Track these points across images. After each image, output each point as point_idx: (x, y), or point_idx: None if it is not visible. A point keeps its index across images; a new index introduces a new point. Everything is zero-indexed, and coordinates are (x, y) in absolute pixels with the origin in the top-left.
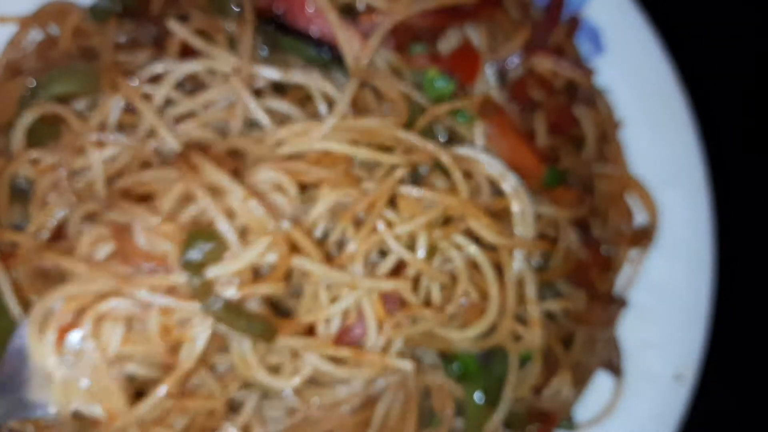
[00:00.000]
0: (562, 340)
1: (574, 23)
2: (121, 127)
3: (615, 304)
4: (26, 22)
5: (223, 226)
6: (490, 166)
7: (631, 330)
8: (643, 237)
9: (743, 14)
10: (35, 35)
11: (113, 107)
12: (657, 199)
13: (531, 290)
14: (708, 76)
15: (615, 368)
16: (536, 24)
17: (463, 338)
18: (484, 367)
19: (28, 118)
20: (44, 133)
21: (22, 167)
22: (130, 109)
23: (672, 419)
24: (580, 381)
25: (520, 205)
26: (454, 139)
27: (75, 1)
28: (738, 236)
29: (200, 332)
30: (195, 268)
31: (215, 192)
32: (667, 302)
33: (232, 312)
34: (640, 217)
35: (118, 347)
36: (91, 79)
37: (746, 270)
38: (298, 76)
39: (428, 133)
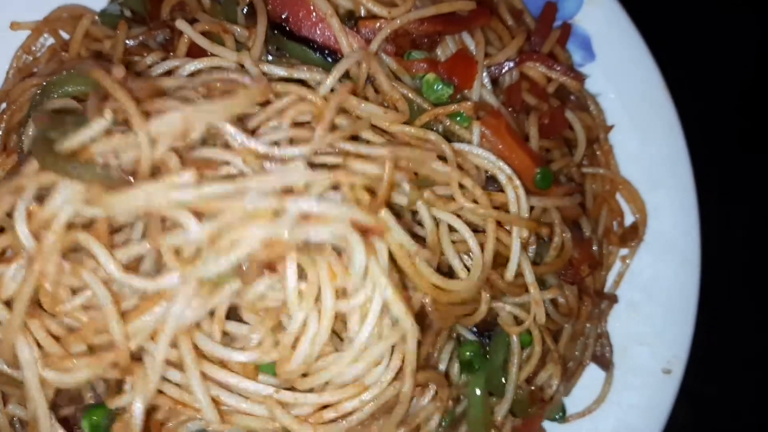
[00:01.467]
0: (552, 334)
1: (566, 30)
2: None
3: (606, 300)
4: (38, 27)
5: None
6: (484, 158)
7: (622, 325)
8: (633, 235)
9: (741, 15)
10: (47, 39)
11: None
12: (646, 199)
13: (529, 275)
14: (706, 76)
15: (605, 362)
16: (530, 31)
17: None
18: (487, 358)
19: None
20: None
21: None
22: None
23: (661, 412)
24: (572, 374)
25: (514, 192)
26: (451, 140)
27: (85, 5)
28: (729, 234)
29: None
30: None
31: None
32: (656, 298)
33: None
34: (629, 217)
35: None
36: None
37: (735, 267)
38: (302, 72)
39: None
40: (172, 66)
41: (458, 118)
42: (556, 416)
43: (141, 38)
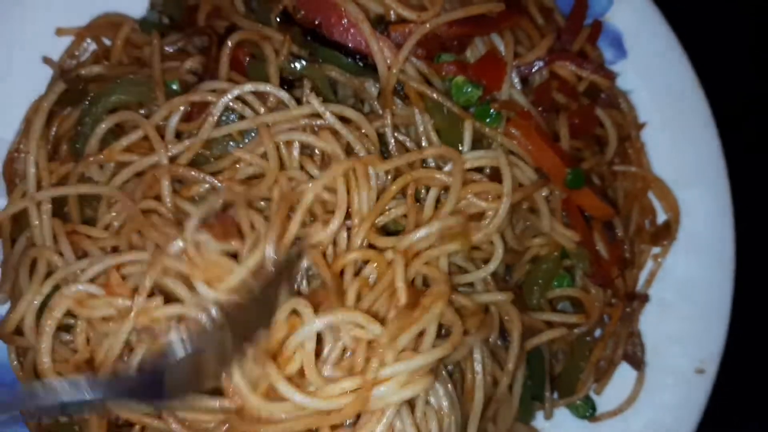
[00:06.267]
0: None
1: (597, 28)
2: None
3: (637, 299)
4: (81, 33)
5: None
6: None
7: (654, 324)
8: (665, 234)
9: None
10: (89, 44)
11: (174, 114)
12: (678, 197)
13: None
14: (739, 72)
15: (637, 361)
16: (560, 29)
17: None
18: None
19: (108, 124)
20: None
21: (90, 169)
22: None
23: (693, 412)
24: (603, 373)
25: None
26: (481, 141)
27: (126, 13)
28: (764, 233)
29: None
30: None
31: None
32: (689, 298)
33: None
34: (662, 215)
35: None
36: (147, 90)
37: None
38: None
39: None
40: (216, 87)
41: (487, 120)
42: (587, 414)
43: (179, 44)
